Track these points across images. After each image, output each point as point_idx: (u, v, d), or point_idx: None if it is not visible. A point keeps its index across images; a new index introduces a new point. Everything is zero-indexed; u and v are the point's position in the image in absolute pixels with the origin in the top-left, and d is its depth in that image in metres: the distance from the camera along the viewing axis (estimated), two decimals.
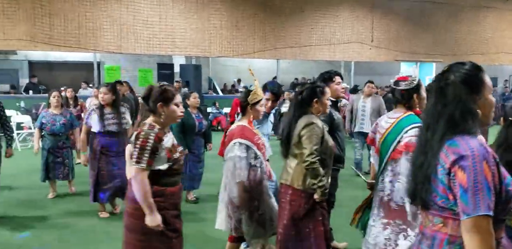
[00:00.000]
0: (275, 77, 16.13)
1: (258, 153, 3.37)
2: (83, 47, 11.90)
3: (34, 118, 10.23)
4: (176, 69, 14.22)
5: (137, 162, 2.56)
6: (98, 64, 13.70)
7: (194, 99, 5.77)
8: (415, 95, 2.96)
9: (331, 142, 3.13)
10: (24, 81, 15.31)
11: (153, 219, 2.59)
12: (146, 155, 2.55)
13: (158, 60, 15.21)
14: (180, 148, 2.80)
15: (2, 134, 5.01)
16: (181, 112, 2.74)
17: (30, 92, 13.04)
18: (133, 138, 2.63)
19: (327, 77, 3.91)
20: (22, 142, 9.98)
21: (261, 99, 3.50)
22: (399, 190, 2.85)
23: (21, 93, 13.40)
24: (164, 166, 2.63)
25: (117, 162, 4.95)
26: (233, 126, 3.52)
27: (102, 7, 11.88)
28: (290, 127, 3.11)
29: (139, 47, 12.41)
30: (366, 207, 3.25)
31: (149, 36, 12.39)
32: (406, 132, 2.84)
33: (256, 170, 3.37)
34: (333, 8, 14.27)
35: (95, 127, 4.91)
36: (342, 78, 3.97)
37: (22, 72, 16.39)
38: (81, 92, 13.16)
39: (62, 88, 8.67)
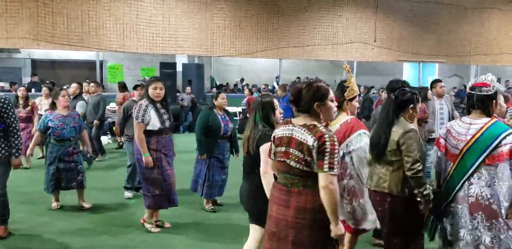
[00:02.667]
0: (277, 76, 16.14)
1: None
2: (86, 45, 11.92)
3: None
4: (179, 68, 14.23)
5: (331, 168, 2.34)
6: (101, 62, 13.73)
7: (222, 100, 5.35)
8: (493, 102, 2.98)
9: (424, 147, 3.20)
10: (27, 79, 15.35)
11: (340, 228, 2.41)
12: (337, 159, 2.36)
13: (161, 59, 15.23)
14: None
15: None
16: (336, 106, 2.59)
17: (33, 90, 13.06)
18: (311, 143, 2.38)
19: (398, 86, 3.85)
20: None
21: (357, 95, 3.60)
22: (499, 194, 2.92)
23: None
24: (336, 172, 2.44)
25: (171, 162, 4.60)
26: (344, 119, 3.53)
27: (105, 6, 11.90)
28: (386, 132, 3.06)
29: (142, 46, 12.42)
30: (429, 216, 3.22)
31: (152, 35, 12.40)
32: (505, 138, 2.88)
33: None
34: (336, 8, 14.25)
35: (155, 125, 4.39)
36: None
37: (25, 70, 16.44)
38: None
39: (65, 87, 8.65)
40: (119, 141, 9.87)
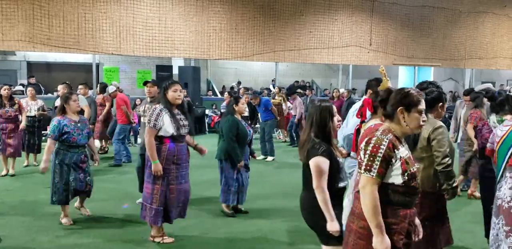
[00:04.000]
0: (273, 80, 16.17)
1: None
2: (82, 48, 11.92)
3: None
4: (175, 71, 14.25)
5: (367, 170, 2.26)
6: (97, 65, 13.71)
7: (242, 105, 5.13)
8: None
9: (453, 144, 3.30)
10: (22, 81, 15.31)
11: (381, 242, 2.22)
12: (377, 162, 2.25)
13: (157, 62, 15.23)
14: (417, 165, 2.44)
15: None
16: (423, 121, 2.40)
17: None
18: (362, 145, 2.34)
19: (425, 87, 3.80)
20: None
21: None
22: None
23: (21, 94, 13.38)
24: (398, 180, 2.30)
25: (185, 173, 4.28)
26: (371, 124, 3.47)
27: (101, 8, 11.90)
28: None
29: (138, 49, 12.43)
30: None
31: (148, 38, 12.41)
32: None
33: None
34: (332, 12, 14.32)
35: (168, 130, 4.09)
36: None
37: (21, 72, 16.39)
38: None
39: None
40: (104, 146, 9.58)
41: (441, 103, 3.22)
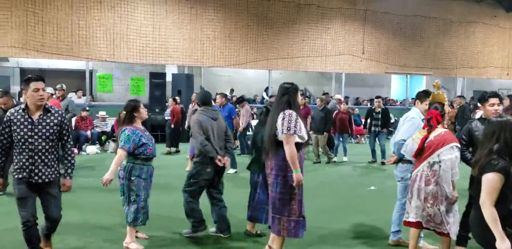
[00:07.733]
0: (267, 88, 16.23)
1: None
2: (76, 55, 11.93)
3: None
4: (169, 78, 14.24)
5: None
6: (91, 72, 13.69)
7: None
8: None
9: None
10: (15, 88, 15.22)
11: None
12: None
13: (151, 69, 15.22)
14: None
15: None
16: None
17: (21, 99, 12.98)
18: None
19: (481, 97, 4.17)
20: None
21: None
22: None
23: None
24: None
25: None
26: (439, 132, 3.87)
27: (95, 15, 11.94)
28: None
29: (132, 56, 12.45)
30: None
31: (142, 45, 12.45)
32: None
33: None
34: (325, 21, 14.45)
35: (304, 136, 3.85)
36: (500, 100, 4.03)
37: (14, 79, 16.30)
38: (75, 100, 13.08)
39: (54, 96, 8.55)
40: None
41: None
